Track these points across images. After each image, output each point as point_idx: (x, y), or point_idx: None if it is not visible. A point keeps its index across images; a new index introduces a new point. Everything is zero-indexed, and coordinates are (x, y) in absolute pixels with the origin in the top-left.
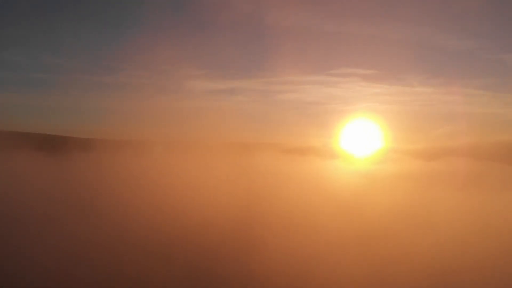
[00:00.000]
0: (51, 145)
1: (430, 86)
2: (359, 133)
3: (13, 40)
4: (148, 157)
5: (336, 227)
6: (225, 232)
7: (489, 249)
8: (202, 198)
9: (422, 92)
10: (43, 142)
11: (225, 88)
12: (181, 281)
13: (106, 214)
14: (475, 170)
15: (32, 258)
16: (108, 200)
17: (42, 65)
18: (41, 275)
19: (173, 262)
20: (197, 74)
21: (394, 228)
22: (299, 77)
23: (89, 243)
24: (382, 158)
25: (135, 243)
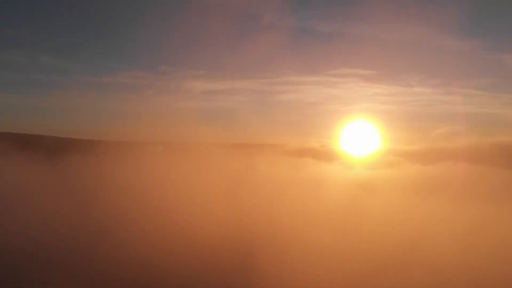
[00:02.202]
0: (50, 147)
1: (429, 86)
2: (358, 134)
3: (12, 40)
4: (147, 159)
5: (331, 240)
6: (219, 239)
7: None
8: (200, 203)
9: (421, 93)
10: (42, 144)
11: (224, 89)
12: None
13: (104, 217)
14: (473, 176)
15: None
16: (106, 203)
17: (41, 66)
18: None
19: (173, 270)
20: (196, 75)
21: (391, 242)
22: (298, 78)
23: (87, 247)
24: (380, 162)
25: (134, 251)
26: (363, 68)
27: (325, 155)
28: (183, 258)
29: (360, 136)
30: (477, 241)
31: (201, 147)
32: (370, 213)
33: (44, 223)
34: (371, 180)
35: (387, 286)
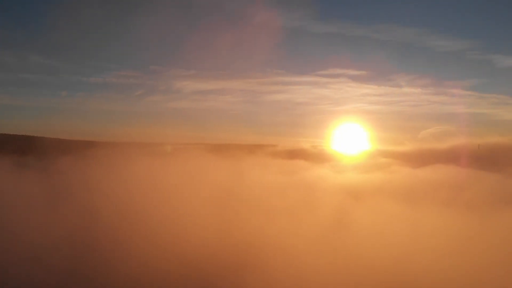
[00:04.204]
0: (40, 148)
1: (418, 86)
2: (348, 134)
3: (1, 40)
4: (135, 161)
5: (320, 254)
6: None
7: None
8: (186, 211)
9: (411, 93)
10: (31, 145)
11: (214, 89)
12: None
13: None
14: (462, 182)
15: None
16: (93, 211)
17: (31, 66)
18: None
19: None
20: (186, 75)
21: (383, 258)
22: (289, 78)
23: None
24: (371, 164)
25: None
26: (353, 68)
27: (316, 157)
28: (168, 273)
29: (351, 137)
30: (468, 255)
31: (191, 149)
32: (360, 224)
33: (33, 234)
34: (361, 186)
35: None
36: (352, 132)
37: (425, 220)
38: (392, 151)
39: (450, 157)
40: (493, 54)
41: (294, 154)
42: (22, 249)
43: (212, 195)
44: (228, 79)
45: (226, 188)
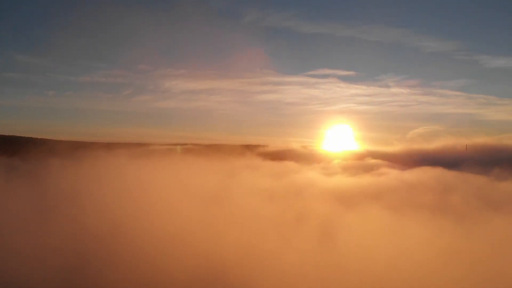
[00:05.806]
0: (26, 148)
1: (407, 87)
2: (338, 134)
3: None
4: (122, 161)
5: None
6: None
7: None
8: (169, 220)
9: (399, 93)
10: (17, 145)
11: (204, 88)
12: None
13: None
14: (449, 185)
15: None
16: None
17: (17, 65)
18: None
19: None
20: (176, 74)
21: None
22: (278, 78)
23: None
24: (360, 166)
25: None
26: (342, 68)
27: (306, 158)
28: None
29: (340, 137)
30: (456, 266)
31: (180, 149)
32: (348, 236)
33: (21, 243)
34: (350, 192)
35: None
36: (342, 132)
37: (413, 229)
38: (381, 151)
39: (438, 157)
40: (481, 55)
41: (284, 155)
42: (9, 261)
43: (200, 202)
44: (218, 78)
45: (215, 195)
